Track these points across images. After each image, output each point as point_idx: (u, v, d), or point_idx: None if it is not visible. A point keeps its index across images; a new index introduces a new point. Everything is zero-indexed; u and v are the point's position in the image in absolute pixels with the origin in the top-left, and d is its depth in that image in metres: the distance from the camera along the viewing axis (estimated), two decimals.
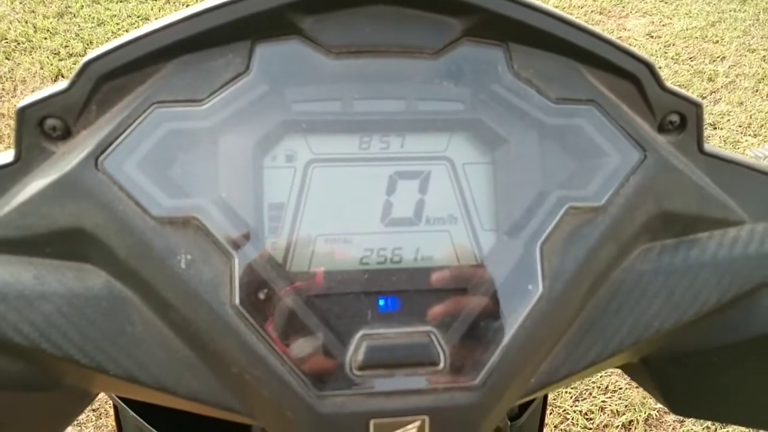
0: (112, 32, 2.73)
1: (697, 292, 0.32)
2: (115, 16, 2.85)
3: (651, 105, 0.32)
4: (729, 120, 2.62)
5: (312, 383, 0.28)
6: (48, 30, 2.71)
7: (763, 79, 2.90)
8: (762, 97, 2.78)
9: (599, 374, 1.60)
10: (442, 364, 0.28)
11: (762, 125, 2.60)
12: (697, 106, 0.32)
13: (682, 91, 0.32)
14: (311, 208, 0.29)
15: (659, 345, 0.34)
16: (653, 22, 3.28)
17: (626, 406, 1.54)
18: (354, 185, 0.29)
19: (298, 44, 0.29)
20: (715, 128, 2.59)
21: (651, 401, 1.54)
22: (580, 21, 0.30)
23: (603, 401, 1.55)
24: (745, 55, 3.06)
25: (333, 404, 0.28)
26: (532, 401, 0.61)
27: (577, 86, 0.31)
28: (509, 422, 0.57)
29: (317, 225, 0.29)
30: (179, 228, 0.28)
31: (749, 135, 2.56)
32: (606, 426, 1.51)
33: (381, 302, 0.29)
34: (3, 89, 2.40)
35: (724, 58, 3.04)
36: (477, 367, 0.29)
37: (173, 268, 0.27)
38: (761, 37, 3.21)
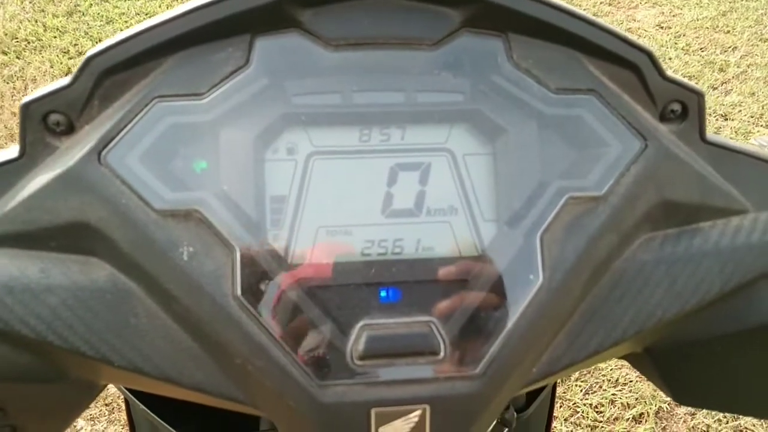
0: (121, 30, 2.75)
1: (700, 281, 0.32)
2: (123, 14, 2.87)
3: (652, 94, 0.31)
4: (741, 111, 2.59)
5: (313, 373, 0.28)
6: (57, 29, 2.73)
7: None
8: None
9: (609, 367, 1.60)
10: (442, 354, 0.29)
11: None
12: (699, 95, 0.32)
13: (683, 79, 0.32)
14: (312, 201, 0.29)
15: (662, 335, 0.34)
16: (663, 13, 3.24)
17: (637, 399, 1.54)
18: (355, 177, 0.29)
19: (298, 37, 0.29)
20: (726, 119, 2.56)
21: (662, 394, 1.53)
22: (580, 10, 0.30)
23: (613, 394, 1.55)
24: (757, 45, 3.03)
25: (334, 393, 0.28)
26: (539, 393, 0.61)
27: (578, 76, 0.31)
28: (516, 414, 0.57)
29: (318, 217, 0.29)
30: (181, 221, 0.28)
31: (761, 125, 2.53)
32: (616, 419, 1.51)
33: (382, 293, 0.29)
34: (14, 88, 2.42)
35: (735, 48, 3.00)
36: (478, 357, 0.29)
37: (176, 261, 0.28)
38: None
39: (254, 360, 0.28)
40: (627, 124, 0.31)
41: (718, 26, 3.15)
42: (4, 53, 2.59)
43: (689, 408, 1.52)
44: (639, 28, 3.09)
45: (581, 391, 1.55)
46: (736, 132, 2.49)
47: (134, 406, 0.56)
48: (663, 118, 0.32)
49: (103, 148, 0.28)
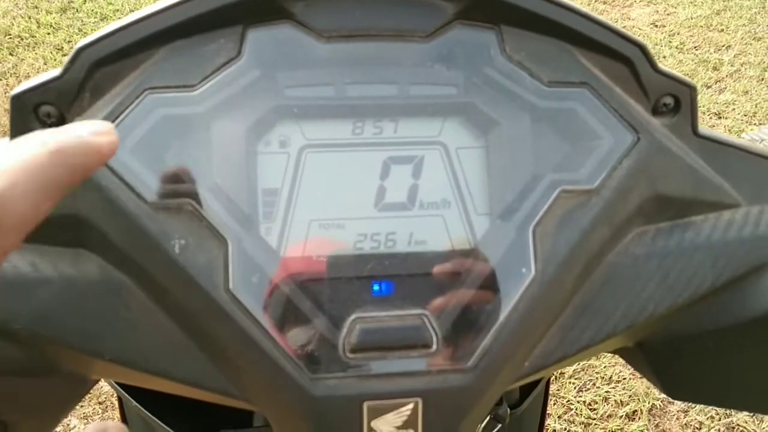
0: None
1: (692, 275, 0.32)
2: (117, 10, 2.86)
3: (644, 87, 0.32)
4: (734, 109, 2.60)
5: (306, 366, 0.28)
6: (51, 25, 2.71)
7: None
8: (767, 86, 2.76)
9: (603, 365, 1.60)
10: (434, 347, 0.29)
11: None
12: (691, 89, 0.32)
13: (676, 73, 0.32)
14: (305, 194, 0.29)
15: (654, 329, 0.34)
16: (657, 11, 3.25)
17: (630, 396, 1.54)
18: (347, 170, 0.29)
19: (290, 29, 0.29)
20: (720, 117, 2.57)
21: (655, 391, 1.54)
22: (573, 3, 0.30)
23: (607, 391, 1.55)
24: (751, 44, 3.04)
25: (326, 387, 0.28)
26: (532, 389, 0.61)
27: (570, 69, 0.31)
28: (509, 410, 0.57)
29: (311, 210, 0.29)
30: (173, 213, 0.28)
31: (754, 124, 2.54)
32: (610, 416, 1.51)
33: (375, 286, 0.29)
34: (7, 85, 2.41)
35: (729, 46, 3.01)
36: (470, 350, 0.29)
37: (168, 253, 0.28)
38: (767, 25, 3.18)
39: (246, 353, 0.28)
40: (619, 117, 0.31)
41: (712, 25, 3.16)
42: None
43: (682, 405, 1.52)
44: (633, 27, 3.10)
45: (575, 388, 1.56)
46: (729, 130, 2.50)
47: (127, 403, 0.56)
48: (655, 111, 0.32)
49: None
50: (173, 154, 0.28)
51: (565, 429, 1.47)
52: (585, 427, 1.48)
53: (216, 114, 0.28)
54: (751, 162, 0.34)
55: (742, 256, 0.33)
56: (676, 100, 0.32)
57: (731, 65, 2.87)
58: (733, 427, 1.49)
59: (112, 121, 0.28)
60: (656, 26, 3.14)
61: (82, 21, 2.77)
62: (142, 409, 0.53)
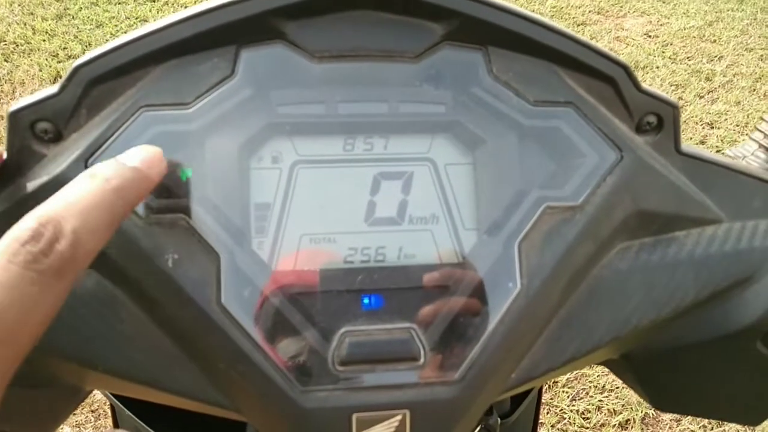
0: (111, 34, 2.74)
1: (675, 289, 0.33)
2: (113, 18, 2.86)
3: (628, 106, 0.32)
4: (726, 119, 2.62)
5: (296, 379, 0.28)
6: (47, 32, 2.72)
7: (761, 78, 2.90)
8: (759, 97, 2.78)
9: (596, 374, 1.61)
10: (422, 360, 0.29)
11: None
12: (674, 108, 0.33)
13: (659, 92, 0.33)
14: (296, 209, 0.29)
15: (639, 341, 0.35)
16: (651, 22, 3.28)
17: (623, 406, 1.55)
18: (338, 186, 0.30)
19: (282, 49, 0.30)
20: (712, 127, 2.59)
21: None
22: (558, 24, 0.31)
23: (600, 400, 1.55)
24: (743, 55, 3.07)
25: (316, 399, 0.28)
26: (524, 398, 0.61)
27: (555, 88, 0.31)
28: (500, 420, 0.58)
29: (302, 225, 0.29)
30: (167, 228, 0.28)
31: (747, 134, 2.56)
32: (603, 425, 1.52)
33: (365, 300, 0.29)
34: (2, 91, 2.41)
35: (721, 57, 3.04)
36: (457, 363, 0.29)
37: (161, 268, 0.28)
38: (759, 37, 3.21)
39: (237, 366, 0.28)
40: (603, 136, 0.32)
41: (704, 36, 3.19)
42: None
43: (675, 415, 1.53)
44: (627, 37, 3.13)
45: (568, 397, 1.56)
46: (722, 140, 2.52)
47: (120, 412, 0.56)
48: (639, 129, 0.33)
49: (90, 156, 0.28)
50: (168, 170, 0.29)
51: None
52: None
53: (210, 131, 0.29)
54: (733, 179, 0.35)
55: (724, 270, 0.34)
56: (659, 119, 0.33)
57: (723, 76, 2.90)
58: None
59: (108, 138, 0.29)
60: (649, 36, 3.16)
61: (77, 28, 2.77)
62: (135, 418, 0.54)
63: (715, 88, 2.82)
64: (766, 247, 0.34)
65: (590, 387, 1.59)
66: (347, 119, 0.30)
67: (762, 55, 3.07)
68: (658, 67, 2.92)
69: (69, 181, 0.28)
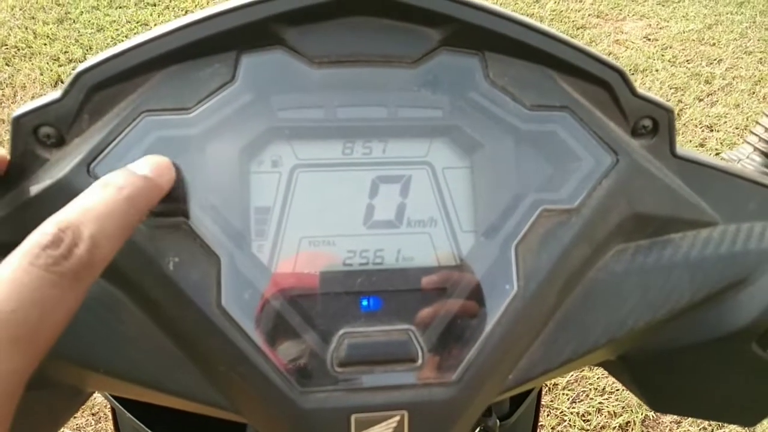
0: (112, 38, 2.75)
1: (670, 291, 0.33)
2: (114, 21, 2.87)
3: (624, 110, 0.33)
4: (726, 122, 2.63)
5: (295, 380, 0.29)
6: (48, 36, 2.72)
7: (760, 81, 2.91)
8: (758, 99, 2.79)
9: (596, 376, 1.61)
10: (420, 361, 0.29)
11: None
12: (669, 112, 0.33)
13: (654, 96, 0.33)
14: (296, 212, 0.30)
15: (635, 343, 0.35)
16: (650, 25, 3.29)
17: (623, 408, 1.55)
18: (337, 189, 0.30)
19: (282, 54, 0.30)
20: (712, 130, 2.60)
21: None
22: (554, 30, 0.31)
23: (600, 403, 1.56)
24: (742, 58, 3.07)
25: (315, 400, 0.29)
26: (523, 401, 0.61)
27: (551, 93, 0.32)
28: (499, 422, 0.58)
29: (302, 228, 0.30)
30: (168, 231, 0.29)
31: (746, 137, 2.56)
32: (603, 427, 1.52)
33: (364, 302, 0.30)
34: (3, 95, 2.41)
35: (721, 60, 3.05)
36: (454, 364, 0.30)
37: (162, 270, 0.28)
38: (758, 40, 3.22)
39: (237, 368, 0.29)
40: (599, 140, 0.32)
41: (704, 39, 3.20)
42: None
43: (675, 417, 1.53)
44: (626, 40, 3.13)
45: (568, 399, 1.56)
46: (721, 143, 2.52)
47: (121, 415, 0.56)
48: (634, 133, 0.33)
49: (92, 160, 0.29)
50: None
51: None
52: None
53: (210, 135, 0.29)
54: (728, 182, 0.35)
55: (719, 272, 0.34)
56: (655, 123, 0.33)
57: (723, 79, 2.90)
58: None
59: (110, 143, 0.29)
60: (649, 40, 3.17)
61: (78, 32, 2.78)
62: (136, 420, 0.54)
63: (715, 91, 2.82)
64: (761, 249, 0.34)
65: (590, 389, 1.59)
66: (346, 123, 0.30)
67: (761, 58, 3.08)
68: (657, 71, 2.92)
69: (71, 185, 0.29)
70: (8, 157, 0.30)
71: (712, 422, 1.51)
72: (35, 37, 2.71)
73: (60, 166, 0.29)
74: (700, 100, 2.75)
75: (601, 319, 0.33)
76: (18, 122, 0.29)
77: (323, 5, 0.30)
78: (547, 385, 1.58)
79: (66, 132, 0.30)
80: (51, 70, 2.53)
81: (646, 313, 0.33)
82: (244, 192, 0.29)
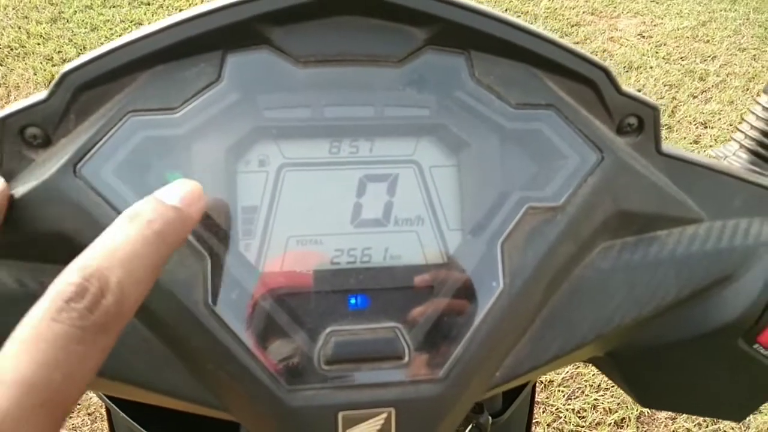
0: (105, 37, 2.74)
1: (656, 287, 0.34)
2: (108, 21, 2.86)
3: (609, 108, 0.33)
4: (720, 119, 2.64)
5: (283, 378, 0.29)
6: (41, 35, 2.71)
7: (754, 77, 2.92)
8: (752, 96, 2.79)
9: (591, 372, 1.61)
10: (407, 358, 0.30)
11: None
12: (654, 109, 0.33)
13: (640, 94, 0.33)
14: (283, 211, 0.30)
15: (623, 339, 0.36)
16: (644, 22, 3.29)
17: (618, 404, 1.56)
18: (325, 188, 0.30)
19: (268, 54, 0.31)
20: (706, 127, 2.61)
21: None
22: (539, 29, 0.32)
23: (595, 399, 1.56)
24: (736, 55, 3.08)
25: (302, 398, 0.29)
26: (516, 397, 0.62)
27: (537, 91, 0.32)
28: (491, 419, 0.58)
29: (289, 227, 0.30)
30: None
31: None
32: (599, 424, 1.52)
33: (351, 300, 0.30)
34: None
35: (714, 57, 3.06)
36: (441, 361, 0.30)
37: None
38: (751, 37, 3.23)
39: (225, 366, 0.29)
40: (584, 137, 0.32)
41: (698, 36, 3.21)
42: None
43: (670, 413, 1.54)
44: (621, 37, 3.14)
45: (563, 396, 1.57)
46: (716, 139, 2.53)
47: (115, 415, 0.56)
48: (620, 131, 0.33)
49: (79, 160, 0.29)
50: (155, 175, 0.29)
51: None
52: None
53: (197, 135, 0.29)
54: (714, 179, 0.35)
55: (704, 269, 0.34)
56: (640, 120, 0.33)
57: (717, 75, 2.91)
58: None
59: (96, 143, 0.29)
60: (643, 37, 3.18)
61: (72, 31, 2.77)
62: (130, 420, 0.54)
63: (709, 88, 2.83)
64: (747, 245, 0.35)
65: (586, 386, 1.59)
66: (333, 123, 0.30)
67: (755, 55, 3.09)
68: (651, 68, 2.93)
69: (58, 186, 0.29)
70: None
71: (707, 419, 1.52)
72: (28, 37, 2.70)
73: (46, 167, 0.29)
74: (695, 97, 2.76)
75: (588, 315, 0.33)
76: (4, 123, 0.29)
77: (308, 5, 0.30)
78: (542, 382, 1.58)
79: (52, 132, 0.30)
80: (44, 70, 2.53)
81: (633, 310, 0.33)
82: (231, 191, 0.29)
